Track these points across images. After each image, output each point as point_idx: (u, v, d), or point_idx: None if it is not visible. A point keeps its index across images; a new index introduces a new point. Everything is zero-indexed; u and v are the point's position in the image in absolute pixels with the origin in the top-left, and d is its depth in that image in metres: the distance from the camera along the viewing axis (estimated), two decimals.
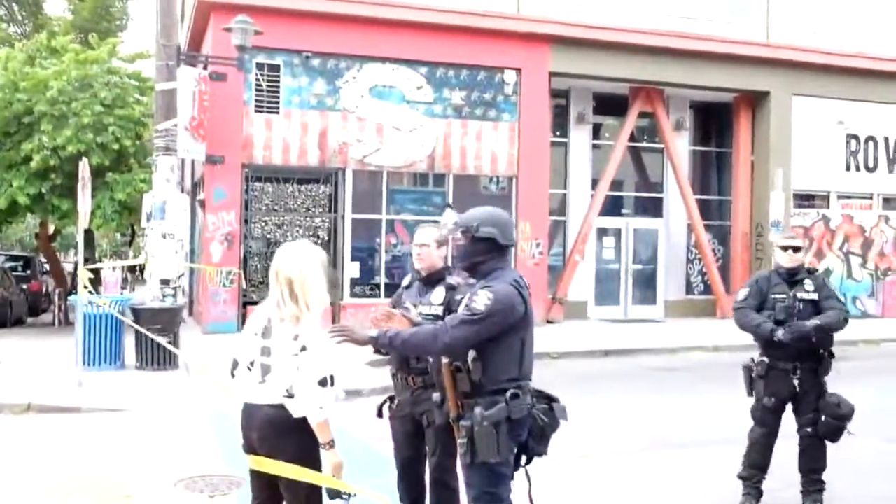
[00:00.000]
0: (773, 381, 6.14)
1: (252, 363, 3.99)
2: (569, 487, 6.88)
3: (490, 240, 4.15)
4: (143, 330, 11.75)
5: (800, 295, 6.08)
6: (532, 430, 4.12)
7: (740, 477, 6.33)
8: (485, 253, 4.17)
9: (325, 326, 3.96)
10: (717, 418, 9.67)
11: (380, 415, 4.98)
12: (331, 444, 3.83)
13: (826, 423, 5.99)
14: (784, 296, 6.09)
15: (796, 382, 6.06)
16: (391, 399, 4.93)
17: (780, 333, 5.94)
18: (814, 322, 5.90)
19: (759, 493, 6.27)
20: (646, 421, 9.57)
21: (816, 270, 6.38)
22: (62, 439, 8.51)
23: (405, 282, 5.12)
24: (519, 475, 4.23)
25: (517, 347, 4.06)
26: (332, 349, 3.90)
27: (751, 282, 6.43)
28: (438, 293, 4.78)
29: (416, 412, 4.78)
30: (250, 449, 3.99)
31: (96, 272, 15.29)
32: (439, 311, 4.70)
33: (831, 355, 6.10)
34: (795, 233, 6.36)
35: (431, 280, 4.88)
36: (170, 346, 11.14)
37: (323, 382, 3.80)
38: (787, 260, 6.17)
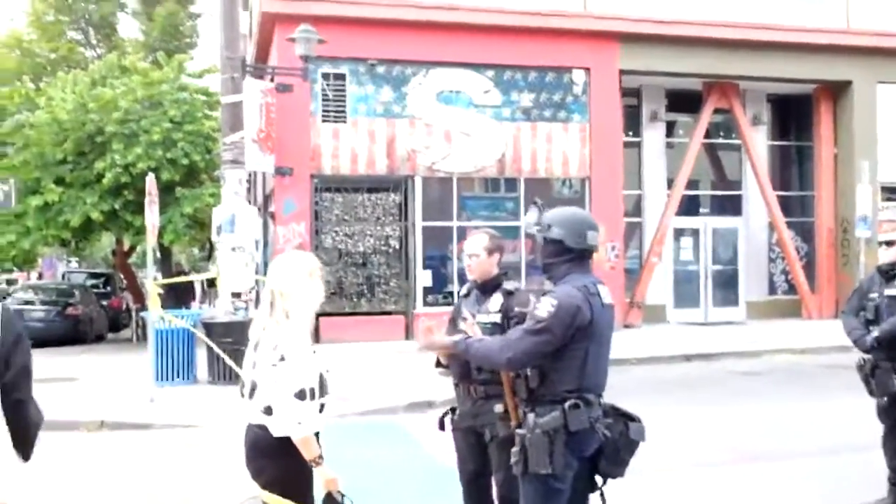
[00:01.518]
0: (879, 381, 5.87)
1: (247, 379, 3.83)
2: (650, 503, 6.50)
3: (559, 242, 3.90)
4: (212, 344, 11.68)
5: (888, 292, 5.82)
6: (604, 448, 3.84)
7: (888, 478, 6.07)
8: (555, 255, 3.93)
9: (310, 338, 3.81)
10: (809, 427, 9.19)
11: (442, 427, 4.77)
12: (319, 460, 3.64)
13: None
14: (876, 294, 5.88)
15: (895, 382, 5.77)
16: (453, 410, 4.72)
17: (868, 339, 5.80)
18: (876, 331, 5.73)
19: None
20: (731, 430, 9.09)
21: None
22: (134, 456, 8.44)
23: (463, 291, 4.95)
24: (594, 498, 3.96)
25: (579, 357, 3.77)
26: (315, 360, 3.71)
27: (859, 282, 6.33)
28: (496, 300, 4.62)
29: (477, 424, 4.56)
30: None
31: (172, 286, 15.36)
32: (497, 318, 4.54)
33: None
34: (888, 227, 6.03)
35: (488, 287, 4.70)
36: (229, 362, 10.99)
37: (301, 395, 3.60)
38: (883, 255, 5.98)
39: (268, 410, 3.67)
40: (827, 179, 20.90)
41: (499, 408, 4.18)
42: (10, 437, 3.25)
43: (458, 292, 5.11)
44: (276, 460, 3.68)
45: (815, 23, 19.60)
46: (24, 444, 3.32)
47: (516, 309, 4.51)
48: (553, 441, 3.67)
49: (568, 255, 3.91)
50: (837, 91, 20.72)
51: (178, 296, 19.53)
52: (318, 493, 3.74)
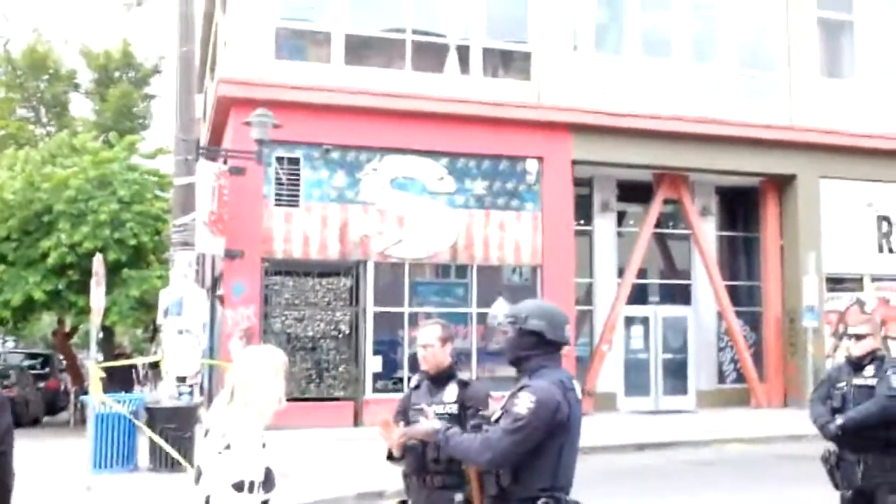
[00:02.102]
0: (844, 473, 5.82)
1: (196, 468, 3.71)
2: None
3: (537, 334, 3.82)
4: (148, 432, 11.31)
5: (856, 381, 5.84)
6: None
7: None
8: (531, 347, 3.83)
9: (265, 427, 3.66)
10: None
11: None
12: None
13: None
14: (843, 383, 5.89)
15: (860, 475, 5.70)
16: (403, 502, 4.68)
17: (832, 427, 5.77)
18: (840, 419, 5.72)
19: None
20: None
21: (885, 357, 5.94)
22: None
23: (413, 382, 4.95)
24: None
25: (553, 454, 3.66)
26: (260, 453, 3.56)
27: (826, 371, 6.47)
28: (451, 391, 4.64)
29: None
30: None
31: (113, 369, 14.95)
32: (454, 409, 4.57)
33: None
34: (854, 321, 6.07)
35: (440, 378, 4.72)
36: (168, 449, 10.62)
37: (239, 487, 3.45)
38: (851, 348, 5.98)
39: (207, 501, 3.53)
40: (774, 270, 21.23)
41: (458, 497, 4.14)
42: None
43: (409, 382, 5.04)
44: None
45: (761, 118, 20.18)
46: (4, 491, 3.86)
47: (472, 402, 4.53)
48: None
49: (544, 347, 3.84)
50: (783, 184, 21.20)
51: (118, 379, 19.01)
52: None
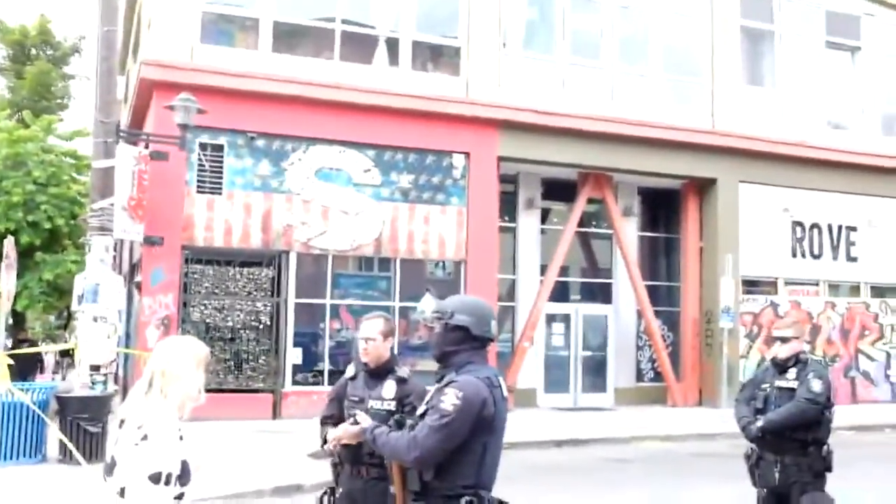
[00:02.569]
0: (762, 472, 5.95)
1: (108, 458, 3.60)
2: None
3: (464, 329, 3.80)
4: (51, 423, 10.95)
5: (778, 383, 5.96)
6: None
7: None
8: (457, 343, 3.82)
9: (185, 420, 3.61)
10: None
11: None
12: None
13: None
14: (767, 385, 6.01)
15: (777, 475, 5.83)
16: (332, 491, 4.73)
17: (753, 428, 5.89)
18: (761, 421, 5.85)
19: None
20: None
21: (808, 360, 6.06)
22: None
23: (349, 372, 4.94)
24: None
25: (478, 451, 3.64)
26: (177, 445, 3.49)
27: (753, 372, 6.58)
28: (389, 387, 4.68)
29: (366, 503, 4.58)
30: None
31: (29, 356, 14.48)
32: (392, 405, 4.65)
33: (819, 446, 5.78)
34: (781, 323, 6.16)
35: (379, 372, 4.76)
36: (65, 440, 10.28)
37: (155, 478, 3.39)
38: (776, 350, 6.11)
39: (122, 492, 3.44)
40: (693, 271, 21.63)
41: (393, 488, 4.07)
42: None
43: (346, 373, 5.08)
44: None
45: (684, 122, 20.53)
46: None
47: (411, 398, 4.60)
48: None
49: (471, 343, 3.82)
50: (703, 187, 21.61)
51: (22, 366, 18.42)
52: None
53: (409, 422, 4.08)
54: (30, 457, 11.25)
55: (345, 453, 4.62)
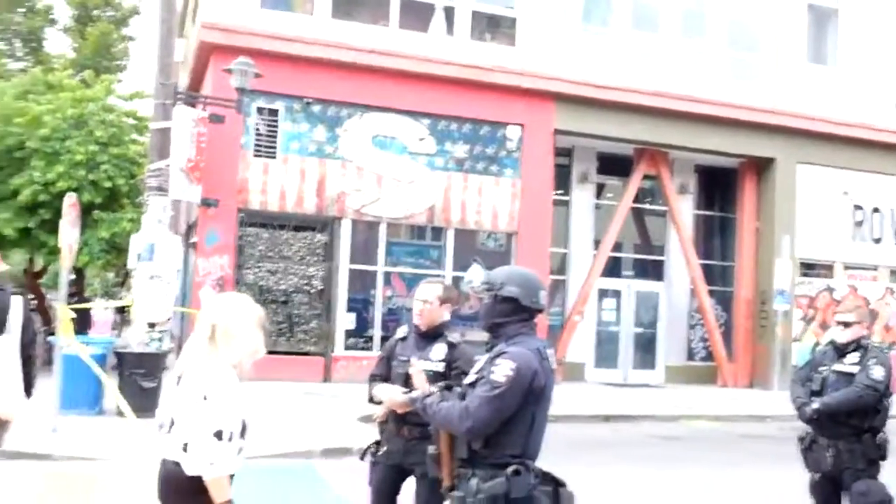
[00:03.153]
0: (815, 456, 5.85)
1: (167, 412, 3.70)
2: None
3: (514, 300, 3.80)
4: (103, 378, 11.17)
5: (837, 367, 5.83)
6: None
7: None
8: (507, 314, 3.82)
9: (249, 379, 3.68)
10: (726, 495, 9.14)
11: (363, 458, 4.90)
12: None
13: None
14: (825, 368, 5.88)
15: (830, 460, 5.72)
16: (377, 444, 4.82)
17: (808, 409, 5.77)
18: (816, 403, 5.72)
19: None
20: (650, 495, 8.99)
21: (869, 346, 5.93)
22: (30, 488, 7.94)
23: (400, 333, 5.04)
24: None
25: (526, 422, 3.65)
26: (238, 403, 3.57)
27: (811, 354, 6.36)
28: (439, 350, 4.75)
29: (406, 462, 4.70)
30: None
31: (81, 312, 14.76)
32: (440, 367, 4.70)
33: (874, 434, 5.66)
34: (844, 307, 6.00)
35: (429, 335, 4.84)
36: (116, 394, 10.46)
37: (219, 435, 3.48)
38: (835, 334, 5.99)
39: (185, 447, 3.54)
40: (748, 251, 21.33)
41: (432, 449, 4.14)
42: (23, 378, 5.49)
43: (387, 330, 5.14)
44: (188, 499, 3.54)
45: (744, 100, 20.16)
46: (29, 384, 5.60)
47: (459, 363, 4.68)
48: None
49: (520, 314, 3.82)
50: (762, 167, 21.25)
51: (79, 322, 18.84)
52: None
53: (457, 389, 4.09)
54: (89, 408, 11.52)
55: (389, 413, 4.70)
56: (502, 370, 3.58)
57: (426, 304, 4.83)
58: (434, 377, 4.50)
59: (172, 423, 3.61)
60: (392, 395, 4.45)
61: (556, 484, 3.76)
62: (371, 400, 4.70)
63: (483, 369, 3.73)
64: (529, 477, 3.60)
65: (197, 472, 3.48)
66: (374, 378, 4.94)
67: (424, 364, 4.58)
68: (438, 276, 17.40)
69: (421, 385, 4.24)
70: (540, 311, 3.86)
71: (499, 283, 3.83)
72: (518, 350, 3.66)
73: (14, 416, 5.49)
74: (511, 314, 3.80)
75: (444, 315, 4.89)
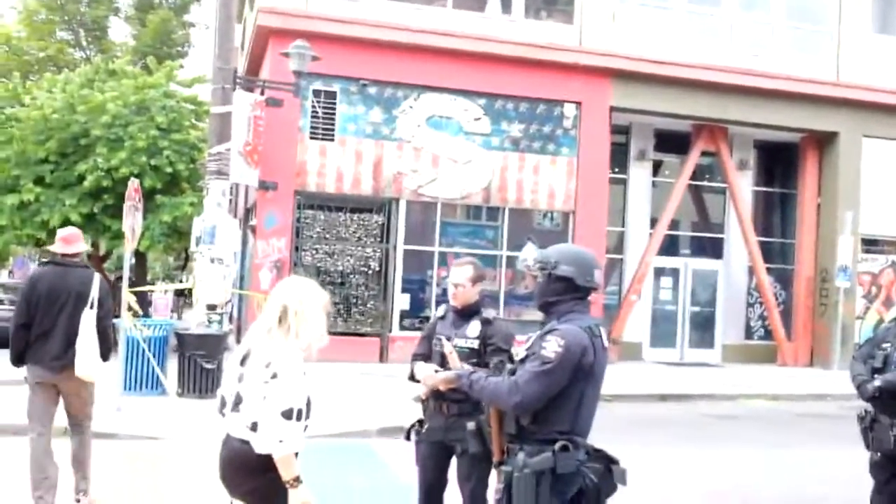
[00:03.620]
0: (876, 435, 5.72)
1: (230, 391, 3.77)
2: None
3: (568, 279, 3.82)
4: (153, 360, 11.43)
5: None
6: (584, 491, 3.70)
7: None
8: (561, 293, 3.84)
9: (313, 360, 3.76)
10: (783, 474, 9.10)
11: (408, 437, 4.98)
12: (296, 482, 3.58)
13: None
14: (889, 345, 5.72)
15: (893, 439, 5.60)
16: (420, 423, 4.93)
17: (870, 387, 5.60)
18: (878, 381, 5.56)
19: None
20: (706, 474, 8.98)
21: None
22: (95, 466, 8.20)
23: (439, 312, 5.17)
24: None
25: (575, 398, 3.68)
26: (307, 383, 3.65)
27: (875, 330, 6.25)
28: (474, 327, 4.86)
29: (447, 439, 4.79)
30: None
31: (142, 294, 15.11)
32: (475, 344, 4.81)
33: None
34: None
35: (466, 313, 4.95)
36: (159, 373, 10.72)
37: (288, 414, 3.55)
38: None
39: (253, 426, 3.62)
40: (809, 228, 20.97)
41: (471, 425, 4.25)
42: (100, 345, 6.26)
43: (435, 313, 5.23)
44: (255, 476, 3.63)
45: (806, 73, 19.76)
46: (106, 351, 6.40)
47: (494, 339, 4.79)
48: (539, 482, 3.57)
49: (574, 293, 3.84)
50: (824, 141, 20.85)
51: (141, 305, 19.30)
52: None
53: (493, 359, 4.11)
54: (151, 389, 11.84)
55: (429, 390, 4.76)
56: (552, 346, 3.61)
57: (458, 287, 4.94)
58: (469, 354, 4.67)
59: (238, 402, 3.68)
60: (428, 373, 4.47)
61: (609, 461, 3.79)
62: (412, 378, 4.79)
63: (534, 345, 3.75)
64: (577, 453, 3.64)
65: (266, 450, 3.55)
66: (416, 357, 5.03)
67: (458, 342, 4.73)
68: (494, 256, 17.51)
69: (454, 363, 4.34)
70: (594, 289, 3.88)
71: (553, 261, 3.85)
72: (569, 327, 3.69)
73: (95, 377, 6.32)
74: (564, 293, 3.82)
75: (476, 293, 4.99)
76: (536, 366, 3.62)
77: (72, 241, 6.50)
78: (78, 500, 6.46)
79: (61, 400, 6.45)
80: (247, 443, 3.62)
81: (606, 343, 3.82)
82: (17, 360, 6.30)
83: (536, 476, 3.57)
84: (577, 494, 3.70)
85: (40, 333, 6.21)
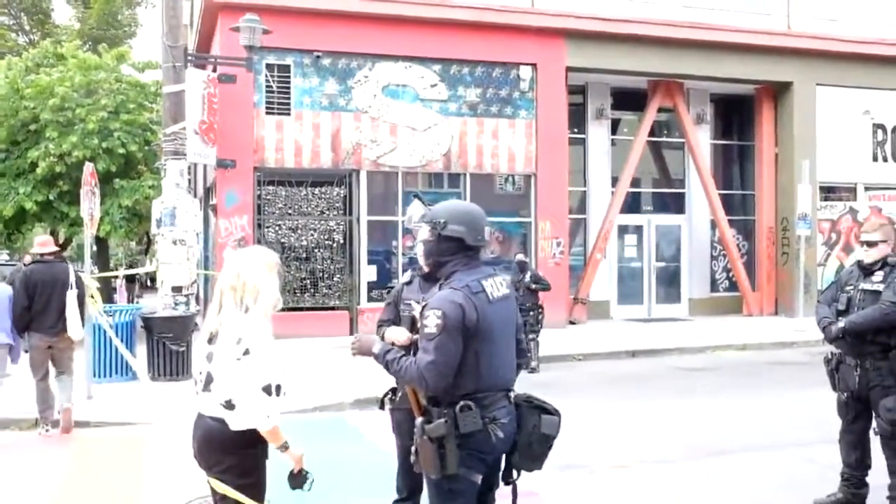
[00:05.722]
0: (842, 376, 5.88)
1: (200, 371, 3.74)
2: (607, 502, 6.40)
3: (457, 239, 3.76)
4: (120, 345, 11.31)
5: (863, 286, 5.80)
6: (516, 442, 3.75)
7: (840, 473, 6.08)
8: (451, 253, 3.79)
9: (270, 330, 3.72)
10: (758, 421, 9.23)
11: (382, 407, 4.87)
12: (286, 447, 3.68)
13: (879, 424, 5.70)
14: (852, 287, 5.85)
15: (857, 379, 5.75)
16: (393, 391, 4.82)
17: (834, 328, 5.74)
18: (842, 322, 5.69)
19: (850, 492, 5.96)
20: (682, 426, 9.08)
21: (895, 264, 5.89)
22: (70, 455, 8.12)
23: (405, 278, 5.07)
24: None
25: (471, 359, 3.62)
26: (279, 356, 3.63)
27: (838, 275, 6.29)
28: None
29: None
30: (197, 463, 3.80)
31: (106, 281, 14.92)
32: None
33: None
34: (868, 227, 5.90)
35: (433, 276, 4.67)
36: (128, 356, 10.71)
37: (267, 389, 3.56)
38: (862, 254, 5.94)
39: (228, 404, 3.59)
40: (768, 178, 21.17)
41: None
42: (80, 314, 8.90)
43: (400, 279, 5.15)
44: (231, 453, 3.65)
45: (758, 25, 19.84)
46: (83, 319, 9.13)
47: None
48: (443, 446, 3.57)
49: (463, 252, 3.78)
50: (778, 92, 20.99)
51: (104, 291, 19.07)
52: (276, 485, 3.75)
53: None
54: (122, 375, 11.72)
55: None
56: (431, 321, 3.56)
57: (426, 244, 4.84)
58: None
59: (209, 381, 3.65)
60: (399, 336, 4.39)
61: (542, 411, 3.79)
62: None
63: (420, 324, 3.71)
64: (485, 411, 3.61)
65: (249, 426, 3.55)
66: (381, 324, 5.01)
67: None
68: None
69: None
70: (483, 247, 3.82)
71: (442, 221, 3.77)
72: (441, 294, 3.65)
73: (79, 337, 9.11)
74: (455, 252, 3.77)
75: None
76: (425, 345, 3.58)
77: (46, 244, 9.34)
78: (58, 413, 8.94)
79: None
80: (221, 421, 3.61)
81: (499, 293, 3.74)
82: (22, 331, 8.88)
83: (437, 441, 3.57)
84: (512, 446, 3.75)
85: (38, 310, 8.78)
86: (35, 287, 8.79)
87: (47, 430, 8.91)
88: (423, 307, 3.67)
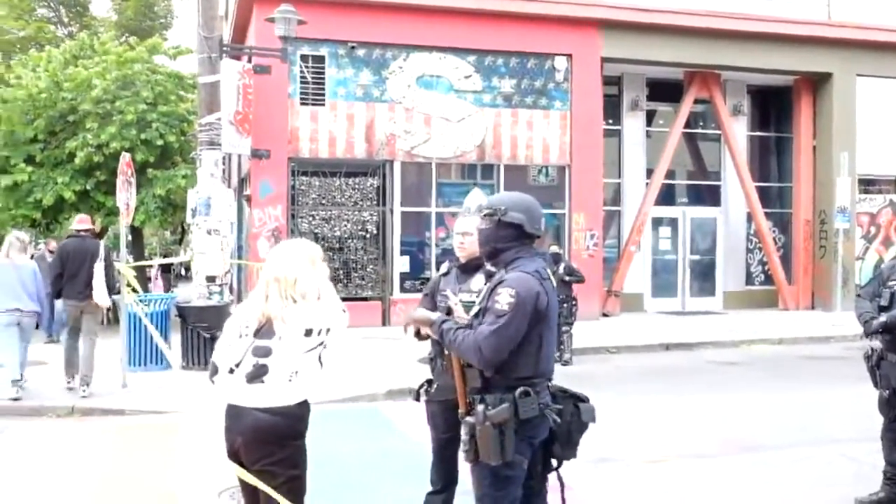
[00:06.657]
0: (884, 373, 5.75)
1: (238, 364, 3.78)
2: (642, 497, 6.35)
3: (516, 226, 3.84)
4: (155, 333, 11.40)
5: None
6: (556, 432, 3.80)
7: (882, 472, 5.96)
8: (509, 240, 3.86)
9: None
10: (794, 416, 9.12)
11: (417, 398, 4.89)
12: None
13: None
14: (894, 282, 5.72)
15: None
16: (429, 383, 4.84)
17: (875, 323, 5.62)
18: (884, 317, 5.56)
19: (893, 490, 5.83)
20: (717, 420, 8.99)
21: None
22: (105, 443, 8.20)
23: (442, 269, 5.04)
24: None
25: (535, 343, 3.72)
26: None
27: (879, 269, 6.14)
28: (478, 280, 4.69)
29: (456, 397, 4.55)
30: (234, 455, 3.81)
31: (141, 270, 15.05)
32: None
33: None
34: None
35: (469, 267, 4.79)
36: (162, 345, 10.74)
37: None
38: None
39: (291, 377, 3.76)
40: (805, 171, 20.90)
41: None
42: (106, 282, 9.97)
43: (438, 270, 5.12)
44: (285, 446, 3.73)
45: (797, 14, 19.54)
46: (111, 287, 10.09)
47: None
48: (503, 432, 3.61)
49: (522, 239, 3.86)
50: (817, 83, 20.70)
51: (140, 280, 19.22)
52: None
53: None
54: (156, 364, 11.81)
55: (435, 348, 4.72)
56: (504, 298, 3.62)
57: (466, 235, 4.78)
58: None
59: (261, 374, 3.72)
60: (415, 313, 4.37)
61: (577, 399, 3.87)
62: (417, 335, 4.53)
63: (486, 300, 3.76)
64: (539, 397, 3.69)
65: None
66: None
67: (463, 296, 4.57)
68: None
69: (461, 317, 4.26)
70: (539, 237, 3.92)
71: (503, 208, 3.85)
72: (516, 275, 3.71)
73: (104, 303, 10.09)
74: (513, 240, 3.84)
75: None
76: (492, 321, 3.63)
77: (83, 222, 10.61)
78: (84, 388, 9.90)
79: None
80: (276, 413, 3.67)
81: (553, 284, 3.86)
82: (56, 296, 10.20)
83: (499, 426, 3.59)
84: (549, 435, 3.79)
85: (70, 276, 9.93)
86: (68, 257, 9.98)
87: (83, 390, 9.92)
88: (497, 284, 3.72)
